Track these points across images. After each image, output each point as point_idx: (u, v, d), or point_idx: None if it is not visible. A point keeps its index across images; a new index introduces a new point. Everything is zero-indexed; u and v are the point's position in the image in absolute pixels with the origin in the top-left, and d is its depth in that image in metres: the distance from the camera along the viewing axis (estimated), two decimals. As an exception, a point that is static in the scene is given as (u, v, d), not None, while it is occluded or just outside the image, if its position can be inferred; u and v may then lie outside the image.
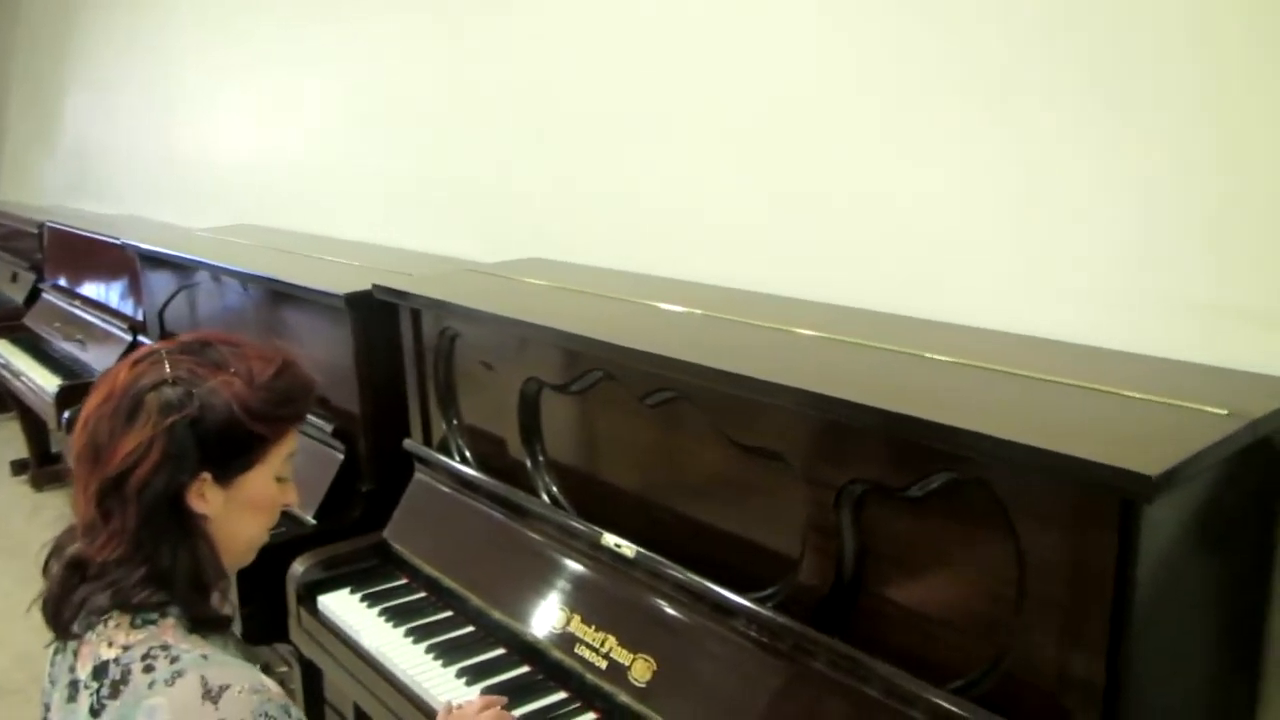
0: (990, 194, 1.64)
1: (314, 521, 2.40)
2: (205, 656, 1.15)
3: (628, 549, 1.69)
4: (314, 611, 2.10)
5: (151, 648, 1.15)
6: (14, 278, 5.57)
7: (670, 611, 1.63)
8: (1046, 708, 1.19)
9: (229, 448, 1.21)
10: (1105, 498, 1.08)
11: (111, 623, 1.17)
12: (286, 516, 2.44)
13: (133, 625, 1.17)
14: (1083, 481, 1.09)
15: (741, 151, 2.04)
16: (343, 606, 2.07)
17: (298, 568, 2.14)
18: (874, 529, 1.39)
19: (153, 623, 1.17)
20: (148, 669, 1.13)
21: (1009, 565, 1.22)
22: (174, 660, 1.14)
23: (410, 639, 1.92)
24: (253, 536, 1.30)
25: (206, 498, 1.21)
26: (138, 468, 1.16)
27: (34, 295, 5.21)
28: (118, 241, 3.73)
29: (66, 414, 3.66)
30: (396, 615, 2.00)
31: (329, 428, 2.47)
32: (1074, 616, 1.15)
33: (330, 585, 2.14)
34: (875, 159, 1.81)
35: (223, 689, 1.11)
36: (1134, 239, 1.47)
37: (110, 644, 1.16)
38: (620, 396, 1.74)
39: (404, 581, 2.14)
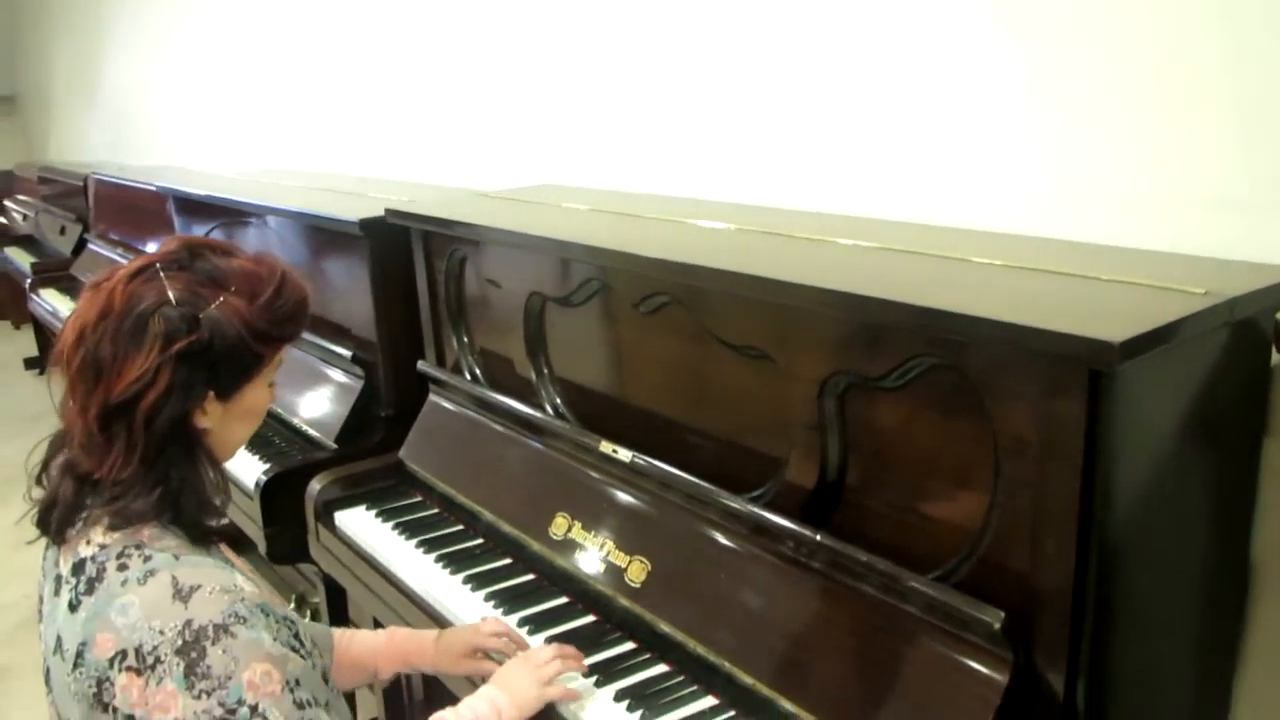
0: (998, 96, 1.63)
1: (335, 447, 2.45)
2: (177, 557, 1.17)
3: (624, 454, 1.71)
4: (331, 528, 2.16)
5: (126, 546, 1.17)
6: (62, 230, 5.71)
7: (664, 514, 1.65)
8: (1021, 591, 1.20)
9: (233, 368, 1.21)
10: (1073, 372, 1.08)
11: (91, 521, 1.19)
12: (308, 441, 2.51)
13: (111, 525, 1.18)
14: (1050, 354, 1.09)
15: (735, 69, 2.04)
16: (358, 522, 2.12)
17: (315, 486, 2.19)
18: (856, 422, 1.40)
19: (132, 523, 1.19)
20: (121, 567, 1.15)
21: (985, 450, 1.22)
22: (147, 559, 1.16)
23: (421, 550, 1.97)
24: (242, 440, 1.31)
25: (208, 412, 1.21)
26: (145, 394, 1.15)
27: (80, 246, 5.34)
28: (152, 187, 3.81)
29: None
30: (409, 529, 2.05)
31: (348, 354, 2.52)
32: (1046, 496, 1.15)
33: (347, 503, 2.19)
34: (883, 66, 1.80)
35: (193, 589, 1.13)
36: (1142, 138, 1.45)
37: (88, 542, 1.19)
38: (617, 306, 1.76)
39: (418, 499, 2.18)
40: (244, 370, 1.23)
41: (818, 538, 1.39)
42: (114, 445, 1.17)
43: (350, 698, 2.63)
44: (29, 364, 6.62)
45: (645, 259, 1.58)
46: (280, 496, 2.34)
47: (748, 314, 1.49)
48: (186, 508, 1.21)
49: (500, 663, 1.53)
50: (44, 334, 6.10)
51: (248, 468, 2.50)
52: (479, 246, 2.07)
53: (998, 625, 1.17)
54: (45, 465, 1.27)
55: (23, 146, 8.83)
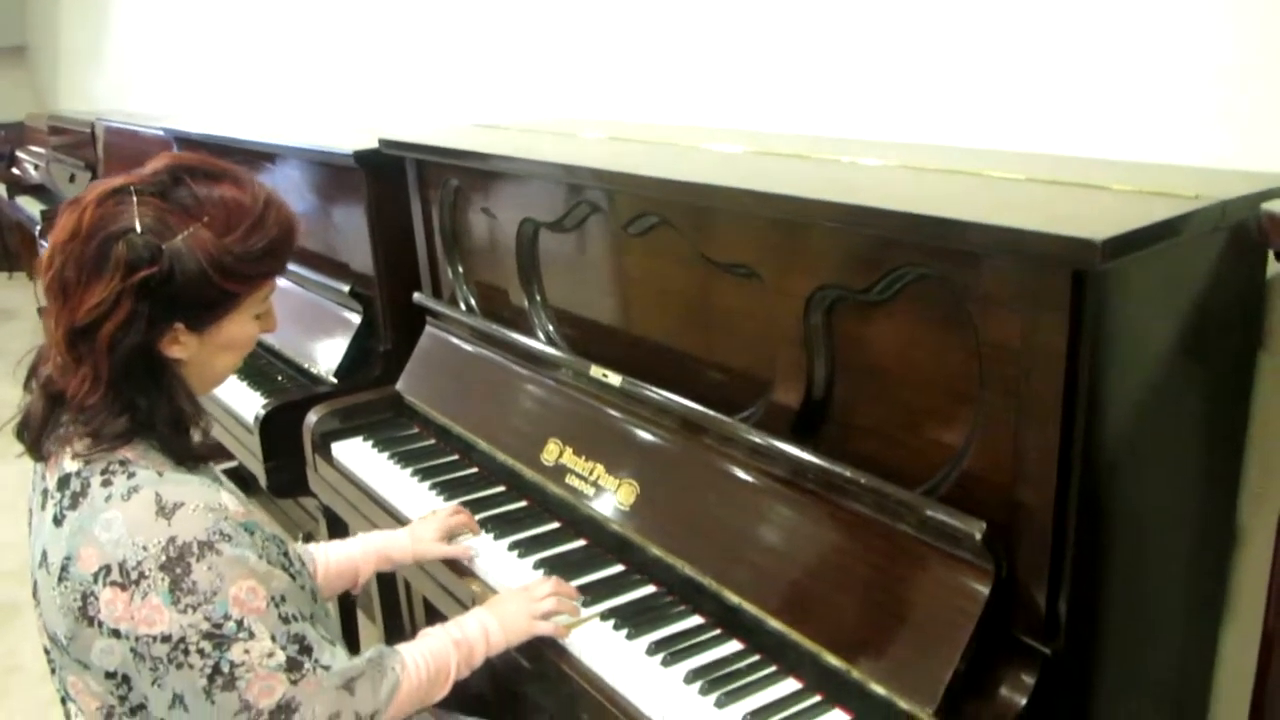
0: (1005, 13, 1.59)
1: (335, 381, 2.46)
2: (161, 474, 1.17)
3: (614, 379, 1.70)
4: (329, 459, 2.16)
5: (110, 463, 1.17)
6: (71, 179, 5.71)
7: (653, 437, 1.64)
8: (1005, 503, 1.19)
9: (200, 303, 1.18)
10: (1056, 275, 1.05)
11: (68, 438, 1.19)
12: (309, 377, 2.51)
13: (92, 445, 1.17)
14: (1032, 256, 1.06)
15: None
16: (355, 452, 2.13)
17: (312, 418, 2.19)
18: (843, 338, 1.38)
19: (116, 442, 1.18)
20: (105, 483, 1.15)
21: (971, 361, 1.20)
22: (130, 476, 1.16)
23: (416, 478, 1.97)
24: (226, 370, 1.29)
25: (182, 343, 1.19)
26: (107, 321, 1.13)
27: (88, 194, 5.33)
28: (155, 130, 3.80)
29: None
30: (405, 458, 2.05)
31: (345, 289, 2.51)
32: (1029, 405, 1.13)
33: (344, 434, 2.19)
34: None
35: (176, 506, 1.13)
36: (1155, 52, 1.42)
37: (73, 456, 1.18)
38: (607, 230, 1.74)
39: (415, 430, 2.19)
40: (212, 306, 1.19)
41: (803, 455, 1.38)
42: (81, 367, 1.16)
43: (353, 632, 2.66)
44: (42, 313, 6.65)
45: (630, 176, 1.56)
46: (280, 430, 2.35)
47: (736, 231, 1.46)
48: (160, 432, 1.20)
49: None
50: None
51: (248, 402, 2.52)
52: (472, 175, 2.05)
53: (979, 536, 1.16)
54: (30, 376, 1.26)
55: (33, 97, 8.82)
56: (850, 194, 1.27)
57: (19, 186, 6.79)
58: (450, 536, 1.70)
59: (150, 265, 1.13)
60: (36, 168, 6.75)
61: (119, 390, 1.16)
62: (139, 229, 1.13)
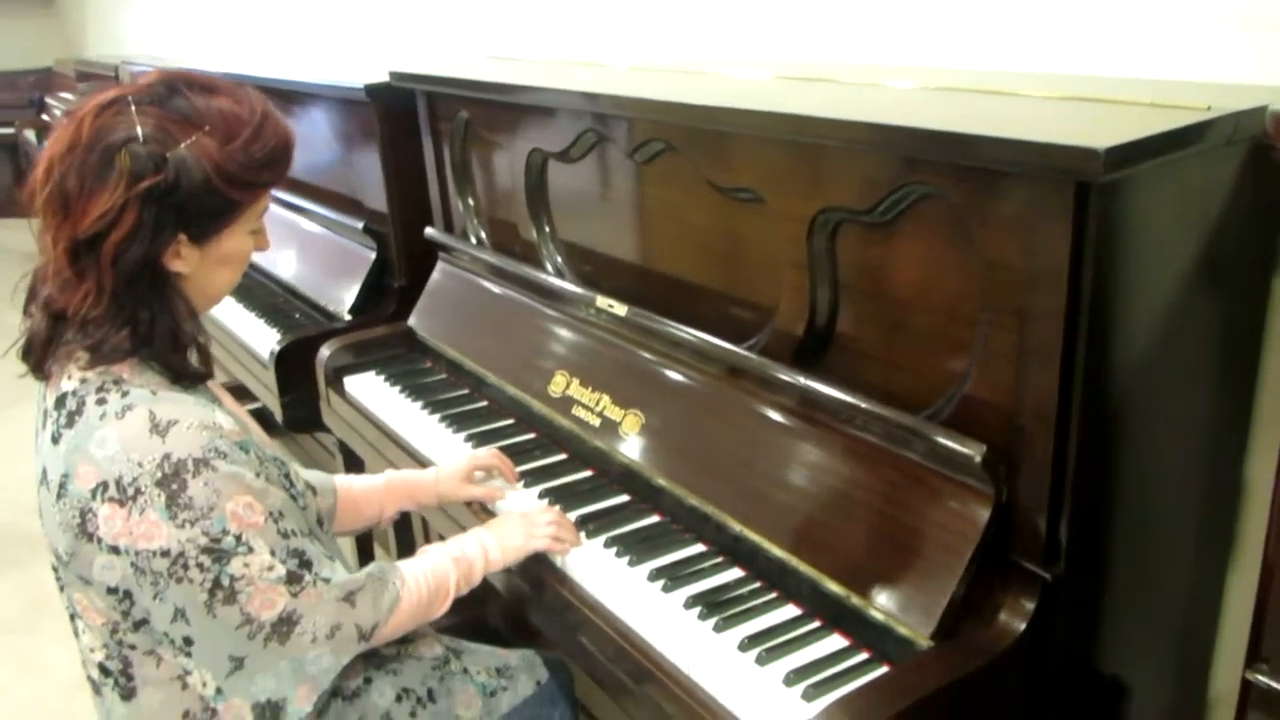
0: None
1: (349, 318, 2.46)
2: (155, 393, 1.17)
3: (619, 308, 1.69)
4: (341, 393, 2.17)
5: (105, 382, 1.17)
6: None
7: (658, 368, 1.63)
8: (1006, 427, 1.17)
9: (204, 212, 1.18)
10: (1059, 189, 1.02)
11: (68, 356, 1.20)
12: (324, 314, 2.52)
13: (92, 361, 1.18)
14: (1035, 169, 1.03)
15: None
16: (367, 386, 2.13)
17: (325, 352, 2.20)
18: (846, 261, 1.36)
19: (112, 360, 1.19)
20: (100, 401, 1.16)
21: (973, 282, 1.18)
22: (124, 395, 1.16)
23: (426, 410, 1.98)
24: (225, 286, 1.29)
25: (183, 256, 1.19)
26: (112, 231, 1.13)
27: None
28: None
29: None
30: (416, 391, 2.06)
31: (360, 226, 2.51)
32: (1031, 325, 1.11)
33: (357, 369, 2.20)
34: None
35: (170, 423, 1.13)
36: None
37: (69, 376, 1.19)
38: (614, 158, 1.72)
39: (427, 365, 2.19)
40: (216, 215, 1.20)
41: (806, 382, 1.36)
42: (84, 281, 1.16)
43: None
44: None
45: (635, 100, 1.54)
46: (295, 366, 2.36)
47: (740, 155, 1.44)
48: (159, 348, 1.20)
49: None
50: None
51: (264, 338, 2.53)
52: (481, 106, 2.02)
53: (978, 458, 1.14)
54: (29, 299, 1.26)
55: (61, 43, 8.84)
56: (853, 113, 1.24)
57: (48, 132, 6.82)
58: (476, 478, 1.67)
59: (155, 174, 1.13)
60: (65, 114, 6.79)
61: (121, 303, 1.17)
62: (141, 138, 1.13)
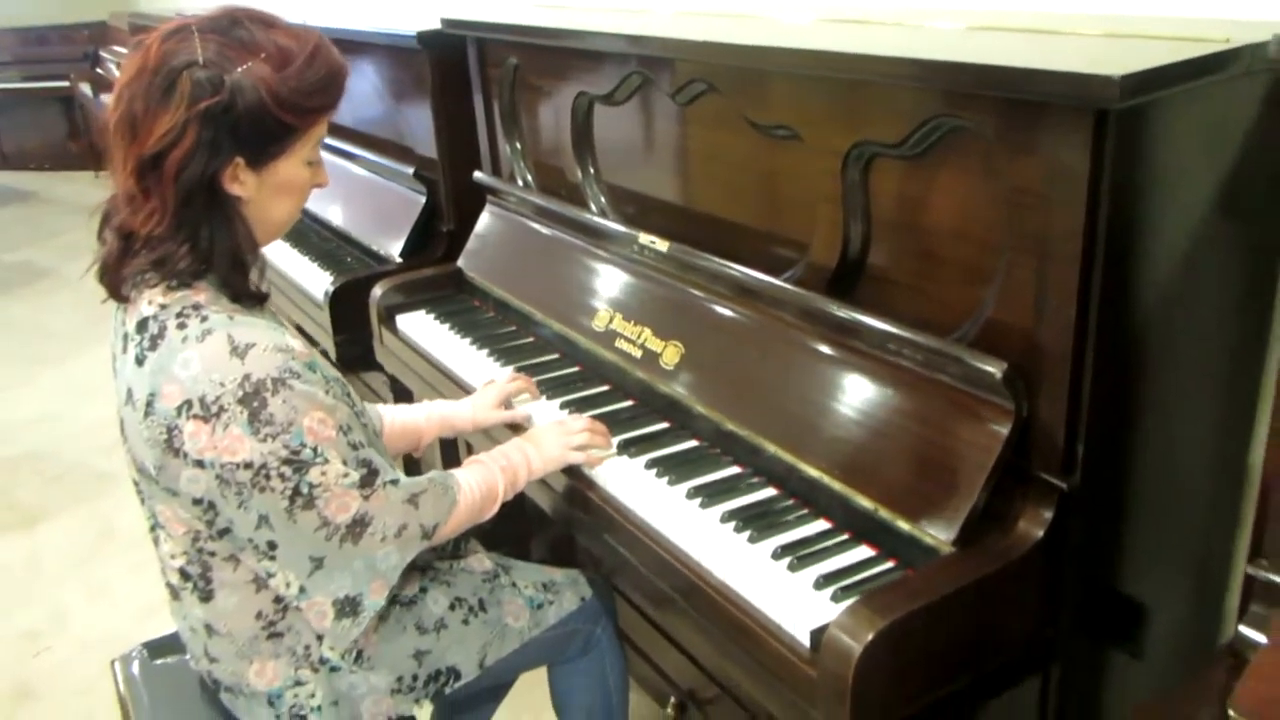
0: None
1: (400, 261, 2.55)
2: (231, 318, 1.26)
3: (661, 245, 1.76)
4: (394, 330, 2.27)
5: (185, 307, 1.26)
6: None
7: (698, 301, 1.70)
8: (1027, 347, 1.23)
9: (260, 135, 1.25)
10: (1079, 116, 1.08)
11: (152, 283, 1.28)
12: (374, 256, 2.62)
13: (169, 287, 1.27)
14: (1056, 97, 1.09)
15: None
16: (418, 324, 2.22)
17: (377, 291, 2.29)
18: (878, 195, 1.42)
19: (187, 285, 1.27)
20: (181, 326, 1.24)
21: (998, 210, 1.24)
22: (204, 319, 1.24)
23: (475, 345, 2.07)
24: (285, 217, 1.36)
25: (241, 180, 1.27)
26: (174, 149, 1.21)
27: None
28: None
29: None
30: (465, 328, 2.15)
31: (410, 171, 2.59)
32: (1051, 249, 1.17)
33: (408, 308, 2.29)
34: None
35: (249, 346, 1.22)
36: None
37: (150, 302, 1.27)
38: (656, 100, 1.79)
39: (475, 304, 2.27)
40: (271, 138, 1.27)
41: (837, 311, 1.43)
42: (149, 200, 1.24)
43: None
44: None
45: (676, 42, 1.60)
46: (348, 306, 2.47)
47: (777, 93, 1.50)
48: (219, 266, 1.28)
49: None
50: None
51: (318, 280, 2.63)
52: (530, 51, 2.09)
53: (999, 374, 1.20)
54: (102, 225, 1.34)
55: (115, -2, 8.95)
56: (887, 49, 1.29)
57: (103, 85, 6.97)
58: (509, 403, 1.79)
59: (213, 95, 1.20)
60: (119, 66, 6.92)
61: (182, 220, 1.25)
62: (202, 62, 1.21)
